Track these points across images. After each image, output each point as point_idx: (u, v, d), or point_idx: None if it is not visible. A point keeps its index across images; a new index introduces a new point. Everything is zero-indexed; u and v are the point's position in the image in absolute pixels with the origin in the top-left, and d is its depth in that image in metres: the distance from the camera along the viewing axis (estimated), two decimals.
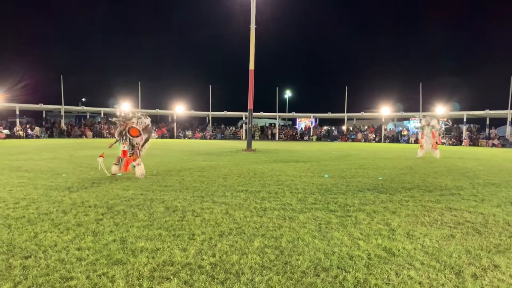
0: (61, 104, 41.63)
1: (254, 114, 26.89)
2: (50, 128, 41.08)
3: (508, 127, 36.87)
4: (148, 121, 8.80)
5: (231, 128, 49.71)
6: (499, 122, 39.95)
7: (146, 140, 8.88)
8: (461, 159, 15.52)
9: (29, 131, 38.00)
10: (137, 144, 8.58)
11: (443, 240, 3.98)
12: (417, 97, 40.94)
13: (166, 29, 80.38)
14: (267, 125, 51.31)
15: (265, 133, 47.68)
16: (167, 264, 3.20)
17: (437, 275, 3.06)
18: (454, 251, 3.60)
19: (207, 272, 3.05)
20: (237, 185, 7.43)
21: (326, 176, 9.01)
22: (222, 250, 3.55)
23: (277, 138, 46.22)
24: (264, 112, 46.66)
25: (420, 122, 17.43)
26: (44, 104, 41.01)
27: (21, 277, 2.92)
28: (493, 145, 33.81)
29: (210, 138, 44.57)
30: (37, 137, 37.55)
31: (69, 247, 3.59)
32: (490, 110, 37.79)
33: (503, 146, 33.54)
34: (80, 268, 3.09)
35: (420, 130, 17.05)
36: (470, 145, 35.45)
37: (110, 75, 67.19)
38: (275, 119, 50.10)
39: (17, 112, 39.08)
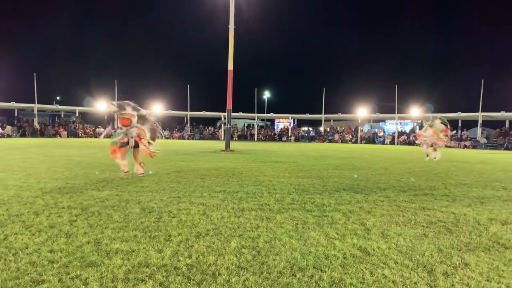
0: (34, 103, 40.46)
1: (233, 114, 26.84)
2: (23, 127, 39.84)
3: (479, 129, 38.18)
4: (145, 114, 8.74)
5: (209, 128, 49.47)
6: (471, 124, 41.31)
7: (152, 139, 8.75)
8: (434, 159, 15.89)
9: (0, 130, 36.76)
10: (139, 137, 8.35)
11: (416, 239, 4.07)
12: (393, 100, 41.86)
13: (143, 27, 79.07)
14: (246, 125, 51.29)
15: (243, 134, 47.66)
16: (143, 265, 3.16)
17: (410, 273, 3.12)
18: (427, 250, 3.69)
19: (183, 273, 3.03)
20: (215, 185, 7.39)
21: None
22: (198, 251, 3.53)
23: (255, 139, 46.30)
24: (243, 112, 46.66)
25: (423, 124, 16.92)
26: (16, 102, 39.76)
27: None
28: (465, 146, 34.89)
29: (188, 138, 44.24)
30: (9, 136, 36.36)
31: (41, 249, 3.49)
32: (462, 112, 39.01)
33: (474, 147, 34.69)
34: (52, 271, 3.01)
35: (423, 131, 16.23)
36: None
37: (85, 73, 65.40)
38: (254, 119, 50.17)
39: None
